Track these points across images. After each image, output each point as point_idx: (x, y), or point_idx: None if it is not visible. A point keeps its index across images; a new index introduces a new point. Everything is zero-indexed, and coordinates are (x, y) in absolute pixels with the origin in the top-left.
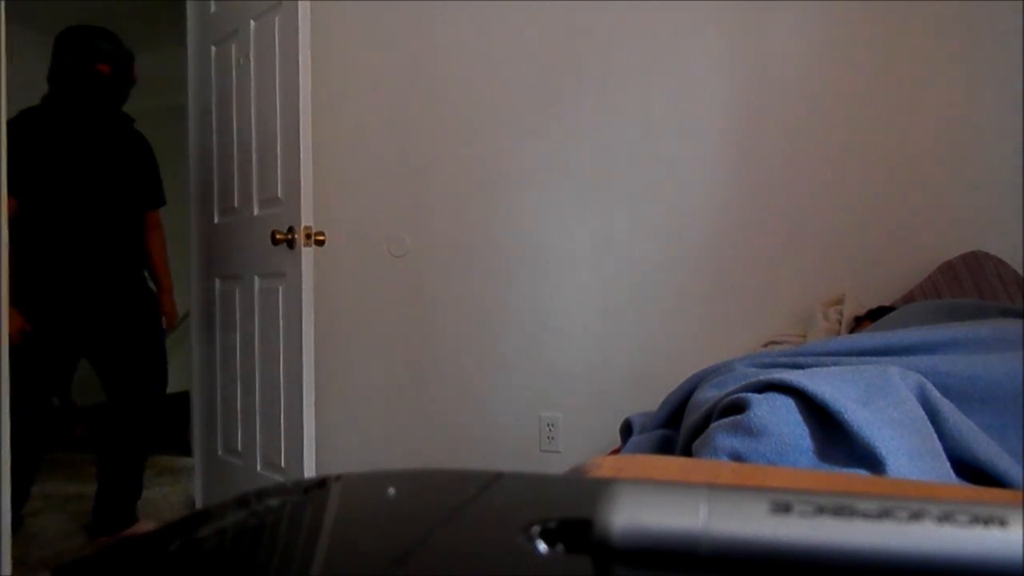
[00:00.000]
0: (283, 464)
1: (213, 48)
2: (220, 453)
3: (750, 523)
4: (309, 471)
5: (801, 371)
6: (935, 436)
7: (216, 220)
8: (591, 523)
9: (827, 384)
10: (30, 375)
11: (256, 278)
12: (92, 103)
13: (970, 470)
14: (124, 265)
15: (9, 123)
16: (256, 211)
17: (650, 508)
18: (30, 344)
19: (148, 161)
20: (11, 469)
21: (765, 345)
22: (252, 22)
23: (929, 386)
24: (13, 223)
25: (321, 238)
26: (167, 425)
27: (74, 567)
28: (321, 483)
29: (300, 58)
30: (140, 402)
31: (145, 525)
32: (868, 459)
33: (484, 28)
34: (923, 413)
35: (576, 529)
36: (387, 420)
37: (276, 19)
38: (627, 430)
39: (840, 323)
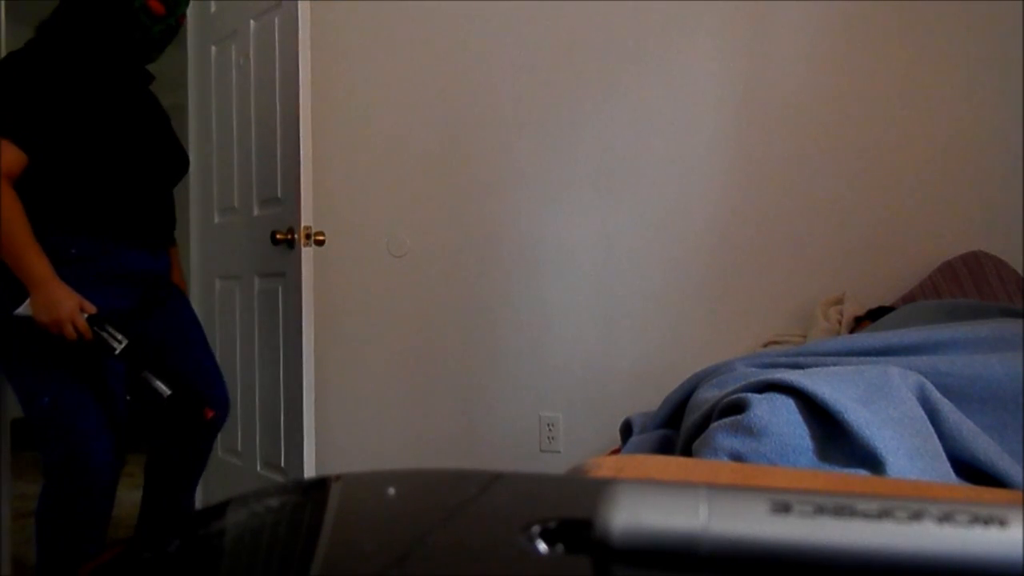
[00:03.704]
0: (283, 464)
1: (213, 48)
2: (220, 453)
3: (750, 523)
4: (309, 471)
5: (801, 371)
6: (935, 436)
7: (216, 220)
8: (591, 523)
9: (827, 384)
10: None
11: (256, 278)
12: (134, 47)
13: (970, 470)
14: (166, 251)
15: (15, 55)
16: (256, 211)
17: (650, 508)
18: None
19: (171, 129)
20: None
21: (765, 345)
22: (252, 22)
23: (929, 386)
24: (16, 182)
25: (321, 238)
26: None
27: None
28: (321, 483)
29: (300, 58)
30: (205, 430)
31: None
32: (868, 459)
33: (484, 28)
34: (923, 413)
35: (576, 529)
36: (387, 420)
37: (276, 19)
38: (627, 430)
39: (840, 323)
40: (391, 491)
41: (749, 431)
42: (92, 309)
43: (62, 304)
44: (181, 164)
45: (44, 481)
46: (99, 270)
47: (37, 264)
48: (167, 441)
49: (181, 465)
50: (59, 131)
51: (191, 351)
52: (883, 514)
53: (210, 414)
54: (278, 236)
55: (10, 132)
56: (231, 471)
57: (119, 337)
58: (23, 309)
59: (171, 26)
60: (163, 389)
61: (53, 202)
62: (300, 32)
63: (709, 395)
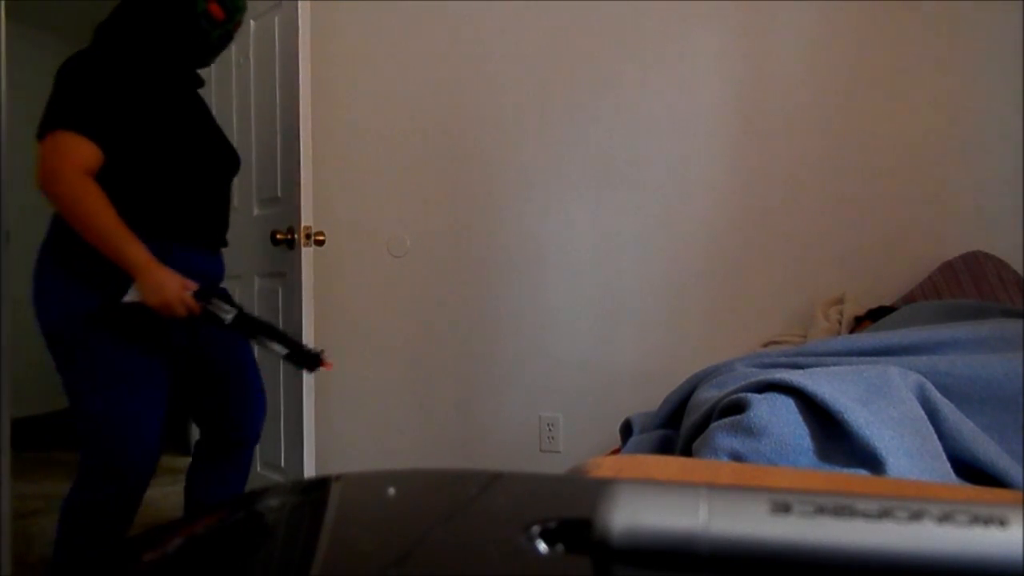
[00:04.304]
0: (283, 464)
1: None
2: None
3: (750, 523)
4: (309, 471)
5: (801, 371)
6: (935, 436)
7: None
8: (591, 523)
9: (827, 384)
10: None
11: (256, 278)
12: (193, 51)
13: (970, 470)
14: (220, 252)
15: (83, 56)
16: (256, 211)
17: (650, 508)
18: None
19: (220, 129)
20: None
21: (765, 345)
22: (252, 22)
23: (929, 386)
24: (97, 175)
25: (321, 238)
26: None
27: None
28: (321, 483)
29: (300, 58)
30: (251, 437)
31: None
32: (868, 459)
33: (484, 28)
34: (923, 413)
35: (576, 529)
36: (387, 420)
37: (276, 19)
38: (627, 430)
39: (840, 323)
40: (391, 491)
41: (749, 431)
42: (194, 286)
43: (168, 285)
44: (234, 163)
45: (77, 479)
46: (200, 260)
47: (136, 251)
48: (205, 460)
49: (222, 484)
50: (128, 132)
51: (240, 353)
52: (883, 514)
53: (329, 366)
54: (278, 236)
55: (87, 130)
56: None
57: (226, 308)
58: (131, 296)
59: (228, 32)
60: (279, 350)
61: (121, 204)
62: (300, 32)
63: (709, 395)
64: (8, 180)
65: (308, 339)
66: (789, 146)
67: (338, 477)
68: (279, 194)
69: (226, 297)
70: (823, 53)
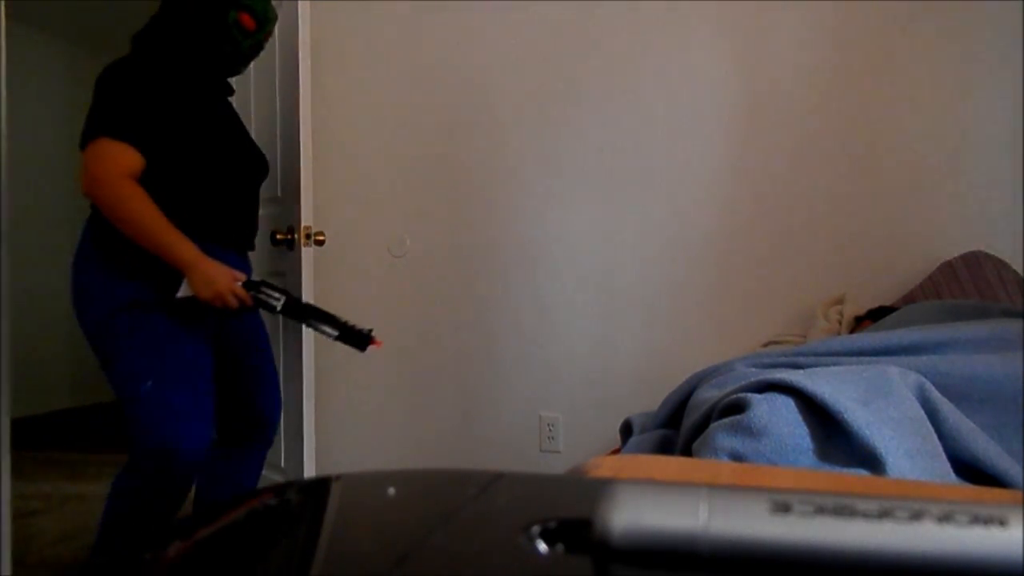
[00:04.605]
0: (283, 464)
1: None
2: None
3: (750, 523)
4: (309, 471)
5: (801, 371)
6: (935, 436)
7: None
8: (591, 523)
9: (827, 384)
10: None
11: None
12: (224, 60)
13: (970, 470)
14: (248, 254)
15: (122, 64)
16: None
17: (650, 508)
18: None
19: (249, 135)
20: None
21: (765, 345)
22: None
23: (929, 386)
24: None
25: (321, 238)
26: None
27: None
28: (321, 483)
29: (300, 58)
30: (268, 436)
31: None
32: (868, 459)
33: (484, 28)
34: (923, 413)
35: (576, 529)
36: (387, 420)
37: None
38: (627, 430)
39: (840, 323)
40: (391, 491)
41: (749, 431)
42: (243, 277)
43: (219, 279)
44: (263, 168)
45: (128, 466)
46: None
47: (185, 248)
48: (221, 458)
49: (235, 483)
50: (166, 138)
51: (260, 356)
52: (883, 514)
53: (379, 344)
54: (278, 236)
55: (128, 136)
56: None
57: (276, 295)
58: (183, 291)
59: (259, 41)
60: (330, 332)
61: (160, 207)
62: (300, 32)
63: (709, 395)
64: (8, 180)
65: (308, 339)
66: (790, 146)
67: (338, 477)
68: (279, 194)
69: (273, 285)
70: (824, 54)
